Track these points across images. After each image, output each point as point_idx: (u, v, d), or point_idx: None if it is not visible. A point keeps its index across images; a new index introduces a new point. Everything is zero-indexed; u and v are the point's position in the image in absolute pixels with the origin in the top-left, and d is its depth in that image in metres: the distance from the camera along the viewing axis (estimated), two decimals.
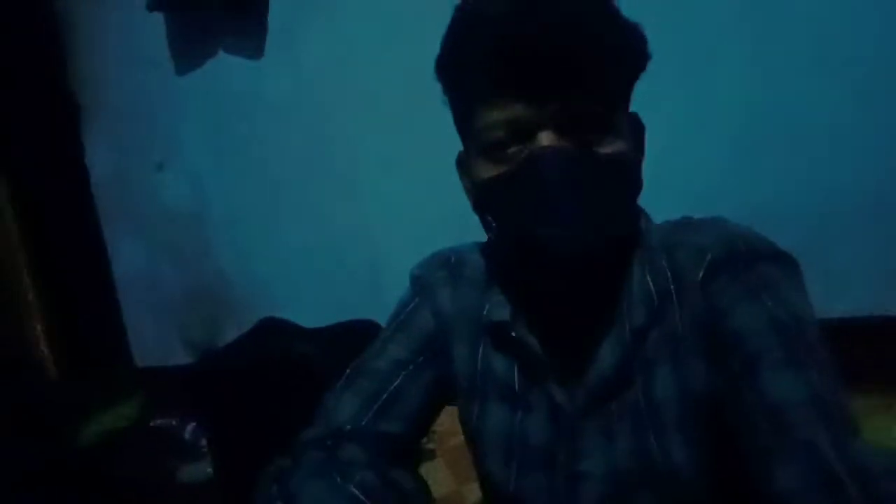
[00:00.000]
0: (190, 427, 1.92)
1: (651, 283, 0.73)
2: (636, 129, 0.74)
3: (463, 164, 0.76)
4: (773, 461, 0.57)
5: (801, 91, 1.53)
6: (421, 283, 0.86)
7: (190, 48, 2.15)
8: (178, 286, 2.27)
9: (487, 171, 0.69)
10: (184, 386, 1.71)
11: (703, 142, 1.59)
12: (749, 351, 0.63)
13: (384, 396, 0.79)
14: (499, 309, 0.78)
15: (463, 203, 1.83)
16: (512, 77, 0.63)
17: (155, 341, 2.28)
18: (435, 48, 2.09)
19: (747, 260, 0.69)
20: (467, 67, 0.67)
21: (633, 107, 0.73)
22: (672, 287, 0.72)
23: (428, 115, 1.89)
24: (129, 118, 2.29)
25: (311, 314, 2.04)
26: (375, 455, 0.76)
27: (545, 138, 0.65)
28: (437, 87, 1.96)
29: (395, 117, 1.90)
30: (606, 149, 0.67)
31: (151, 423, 1.99)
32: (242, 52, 2.09)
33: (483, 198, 0.72)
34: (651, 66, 0.70)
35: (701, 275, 0.70)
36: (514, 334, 0.76)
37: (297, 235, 2.12)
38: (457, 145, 1.91)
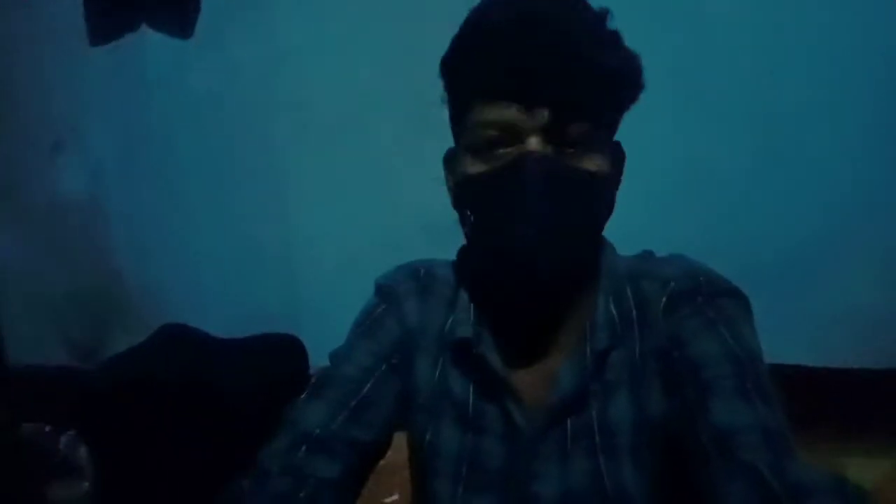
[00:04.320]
0: (65, 437, 1.78)
1: (614, 310, 0.79)
2: (617, 157, 0.80)
3: (451, 161, 0.82)
4: (718, 483, 0.63)
5: (722, 145, 1.66)
6: (387, 292, 0.88)
7: (108, 17, 2.02)
8: (64, 281, 2.12)
9: (474, 167, 0.74)
10: (69, 391, 1.58)
11: (632, 187, 1.68)
12: (704, 378, 0.70)
13: (354, 402, 0.80)
14: (462, 326, 0.81)
15: (393, 226, 1.84)
16: (509, 82, 0.69)
17: (31, 339, 2.10)
18: (372, 59, 2.07)
19: (708, 294, 0.77)
20: (469, 68, 0.73)
21: None
22: (635, 314, 0.79)
23: (362, 128, 1.92)
24: (24, 90, 2.12)
25: (214, 327, 1.95)
26: (345, 465, 0.76)
27: (533, 143, 0.70)
28: (374, 101, 1.96)
29: (328, 129, 1.90)
30: (587, 164, 0.72)
31: (20, 431, 1.81)
32: (169, 29, 1.99)
33: (465, 193, 0.77)
34: None
35: (663, 304, 0.78)
36: (475, 352, 0.79)
37: (206, 242, 2.04)
38: (394, 164, 1.92)
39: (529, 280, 0.73)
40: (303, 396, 0.81)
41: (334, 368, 0.83)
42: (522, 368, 0.80)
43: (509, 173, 0.71)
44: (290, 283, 1.97)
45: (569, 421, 0.77)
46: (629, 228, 1.67)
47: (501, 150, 0.72)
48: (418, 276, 0.89)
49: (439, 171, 0.88)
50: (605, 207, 0.78)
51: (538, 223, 0.70)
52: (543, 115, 0.69)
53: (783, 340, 1.69)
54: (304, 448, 0.75)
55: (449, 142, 0.85)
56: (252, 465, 0.77)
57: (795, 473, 0.60)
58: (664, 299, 0.78)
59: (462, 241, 0.85)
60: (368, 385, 0.81)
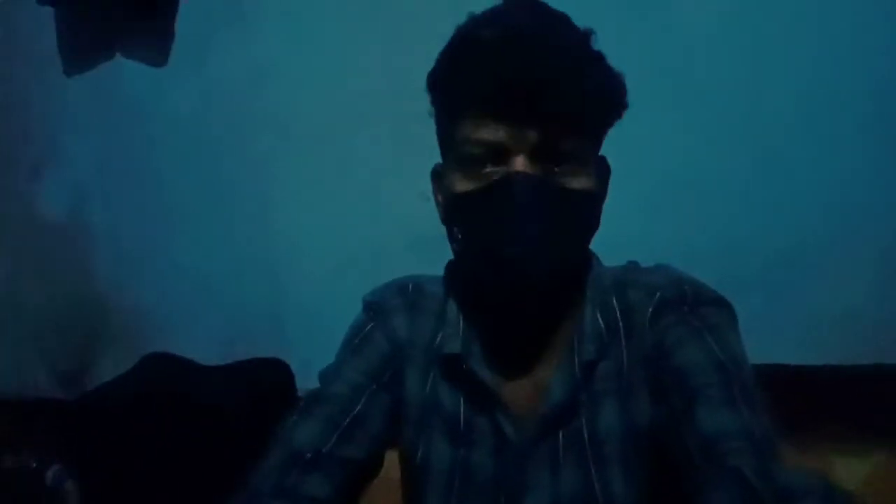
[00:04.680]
0: (52, 470, 1.74)
1: (601, 321, 0.81)
2: (603, 172, 0.81)
3: (439, 175, 0.83)
4: (706, 490, 0.64)
5: (720, 145, 1.65)
6: (375, 309, 0.89)
7: (82, 48, 2.03)
8: (45, 307, 2.08)
9: (461, 185, 0.75)
10: (54, 423, 1.56)
11: (631, 189, 1.68)
12: (690, 386, 0.71)
13: (346, 421, 0.80)
14: (451, 341, 0.82)
15: (379, 240, 1.82)
16: (497, 101, 0.70)
17: (12, 368, 2.06)
18: (354, 72, 2.08)
19: (693, 303, 0.78)
20: (457, 85, 0.74)
21: None
22: (621, 324, 0.81)
23: (347, 143, 1.90)
24: (3, 110, 2.11)
25: (201, 348, 1.93)
26: (338, 484, 0.77)
27: (520, 163, 0.71)
28: (356, 115, 1.96)
29: (313, 144, 1.88)
30: (574, 183, 0.74)
31: (4, 465, 1.78)
32: (144, 58, 1.98)
33: (453, 210, 0.78)
34: None
35: (650, 313, 0.79)
36: (464, 366, 0.80)
37: (190, 261, 2.01)
38: (378, 178, 1.91)
39: (517, 295, 0.75)
40: (294, 416, 0.81)
41: (325, 387, 0.83)
42: (511, 380, 0.81)
43: (497, 193, 0.72)
44: (276, 298, 1.94)
45: (560, 432, 0.78)
46: (628, 230, 1.67)
47: (489, 168, 0.73)
48: (406, 291, 0.89)
49: (425, 186, 0.88)
50: (592, 222, 0.80)
51: (526, 242, 0.71)
52: (531, 134, 0.71)
53: (781, 341, 1.69)
54: (296, 468, 0.75)
55: (434, 156, 0.84)
56: (241, 491, 0.76)
57: (782, 478, 0.60)
58: (651, 309, 0.79)
59: (449, 254, 0.85)
60: (359, 404, 0.81)
